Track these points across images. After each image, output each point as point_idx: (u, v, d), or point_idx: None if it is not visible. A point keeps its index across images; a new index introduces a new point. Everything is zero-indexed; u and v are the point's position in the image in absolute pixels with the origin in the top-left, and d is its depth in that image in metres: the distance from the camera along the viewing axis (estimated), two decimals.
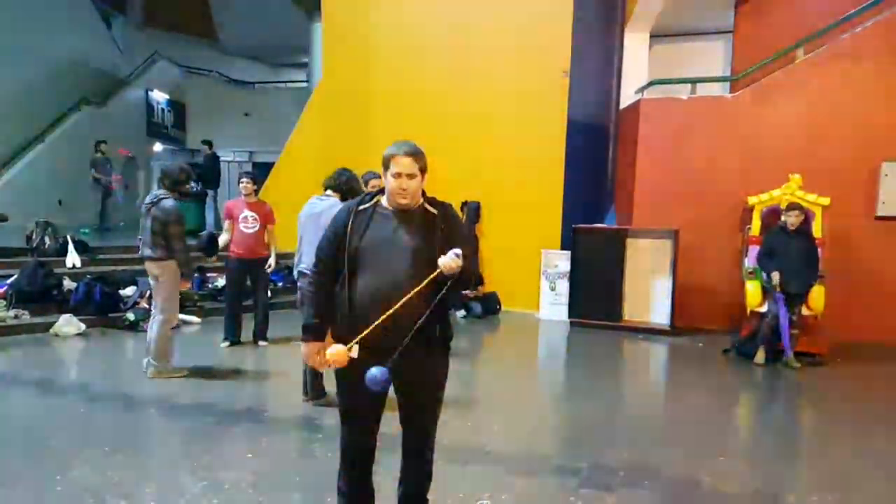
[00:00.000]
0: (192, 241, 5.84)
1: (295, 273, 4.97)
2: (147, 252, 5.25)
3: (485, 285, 9.20)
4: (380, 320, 2.32)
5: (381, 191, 2.58)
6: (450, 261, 2.30)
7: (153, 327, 5.33)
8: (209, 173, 12.90)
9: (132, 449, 3.98)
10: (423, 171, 2.48)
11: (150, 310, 5.84)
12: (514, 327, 8.44)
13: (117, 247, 9.36)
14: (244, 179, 6.50)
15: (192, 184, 11.66)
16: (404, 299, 2.32)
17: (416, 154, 2.47)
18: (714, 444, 4.36)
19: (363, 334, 2.35)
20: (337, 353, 2.40)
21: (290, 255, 8.14)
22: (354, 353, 2.44)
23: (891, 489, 3.75)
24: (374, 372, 2.29)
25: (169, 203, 5.16)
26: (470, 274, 2.43)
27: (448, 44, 9.49)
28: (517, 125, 9.09)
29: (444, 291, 2.38)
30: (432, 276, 2.34)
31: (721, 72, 10.93)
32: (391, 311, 2.32)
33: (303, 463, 3.83)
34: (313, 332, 2.59)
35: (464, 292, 8.79)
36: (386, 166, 2.48)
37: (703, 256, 7.92)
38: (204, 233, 6.95)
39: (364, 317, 2.39)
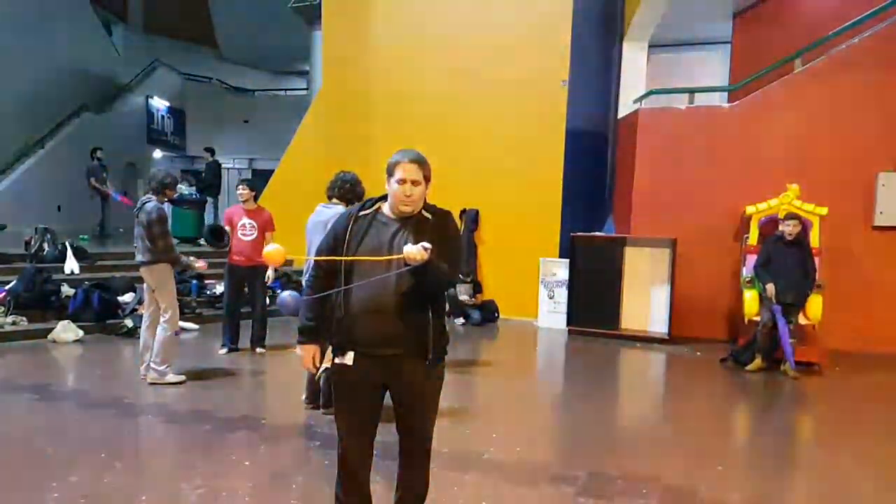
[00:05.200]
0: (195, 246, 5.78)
1: (304, 282, 4.94)
2: (138, 257, 5.36)
3: (483, 293, 9.22)
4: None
5: (383, 197, 2.59)
6: (414, 250, 2.25)
7: (159, 331, 5.33)
8: (211, 180, 12.90)
9: (130, 456, 3.98)
10: (427, 179, 2.50)
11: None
12: (513, 335, 8.43)
13: (116, 253, 9.37)
14: (241, 186, 6.53)
15: (187, 191, 11.69)
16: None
17: (422, 162, 2.48)
18: (712, 453, 4.35)
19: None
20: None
21: (286, 263, 8.12)
22: (349, 360, 2.46)
23: (890, 500, 3.75)
24: (284, 295, 2.26)
25: (150, 205, 5.25)
26: (442, 276, 2.38)
27: (448, 52, 9.54)
28: (516, 133, 9.13)
29: (437, 294, 2.33)
30: (394, 257, 2.32)
31: (719, 82, 10.96)
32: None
33: (300, 470, 3.82)
34: (309, 335, 2.62)
35: (462, 298, 8.80)
36: (390, 173, 2.49)
37: (701, 265, 7.92)
38: (206, 227, 6.96)
39: (356, 323, 2.43)
